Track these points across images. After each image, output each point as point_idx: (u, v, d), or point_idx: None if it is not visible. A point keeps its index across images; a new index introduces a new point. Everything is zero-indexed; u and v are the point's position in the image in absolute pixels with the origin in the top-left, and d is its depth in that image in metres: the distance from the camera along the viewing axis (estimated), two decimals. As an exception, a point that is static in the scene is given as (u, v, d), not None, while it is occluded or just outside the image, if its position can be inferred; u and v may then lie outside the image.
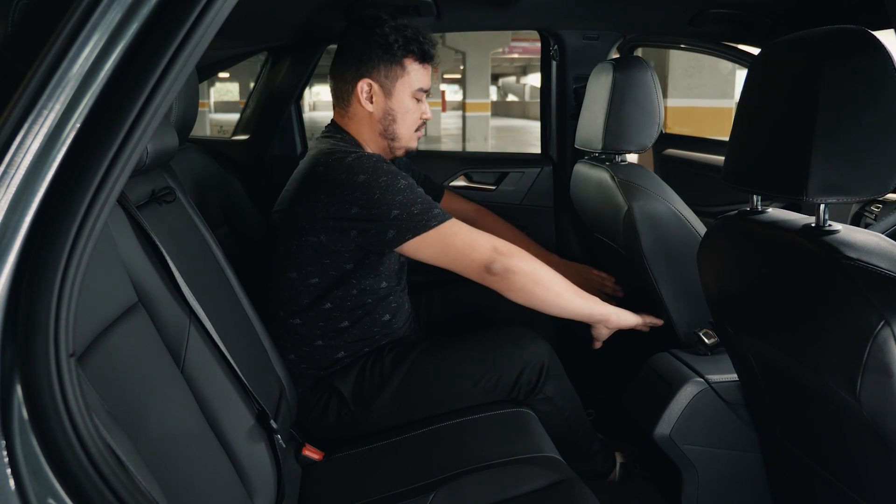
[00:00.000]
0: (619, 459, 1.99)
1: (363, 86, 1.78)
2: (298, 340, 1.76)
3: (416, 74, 1.80)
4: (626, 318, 1.80)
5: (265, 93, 2.72)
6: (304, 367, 1.76)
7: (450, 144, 18.47)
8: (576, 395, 1.87)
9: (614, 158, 2.15)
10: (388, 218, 1.60)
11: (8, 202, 0.70)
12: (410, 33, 1.77)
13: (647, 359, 1.92)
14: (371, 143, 1.83)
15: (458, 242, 1.63)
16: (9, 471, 0.70)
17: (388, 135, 1.83)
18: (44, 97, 0.70)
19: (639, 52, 2.92)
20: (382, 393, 1.71)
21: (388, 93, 1.79)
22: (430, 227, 1.61)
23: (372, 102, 1.79)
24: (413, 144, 1.89)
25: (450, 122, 25.98)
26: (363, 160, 1.65)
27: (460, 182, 2.69)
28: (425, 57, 1.80)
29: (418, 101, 1.83)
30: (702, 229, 1.90)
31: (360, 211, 1.61)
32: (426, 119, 1.87)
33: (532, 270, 1.65)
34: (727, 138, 1.26)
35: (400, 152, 1.87)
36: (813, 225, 1.11)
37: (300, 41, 2.62)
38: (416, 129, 1.87)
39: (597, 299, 1.77)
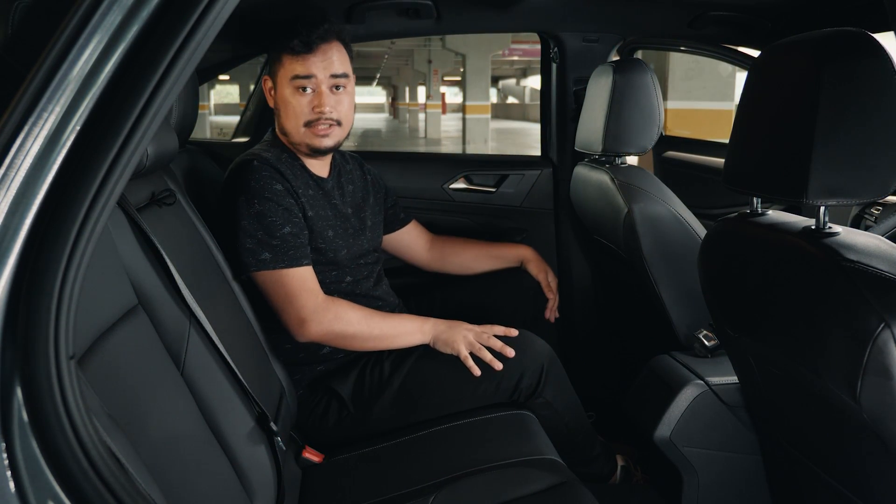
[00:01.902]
0: (620, 462, 1.98)
1: (265, 83, 1.81)
2: (278, 338, 1.76)
3: (290, 64, 1.72)
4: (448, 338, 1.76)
5: (265, 95, 2.72)
6: (294, 366, 1.76)
7: (450, 147, 18.48)
8: (577, 398, 1.86)
9: (614, 161, 2.15)
10: (233, 239, 1.66)
11: (8, 204, 0.70)
12: (287, 28, 1.71)
13: (647, 361, 1.92)
14: (282, 139, 1.82)
15: (278, 294, 1.67)
16: (9, 473, 0.70)
17: (279, 129, 1.81)
18: (44, 99, 0.70)
19: (639, 55, 2.92)
20: (382, 396, 1.71)
21: (276, 87, 1.77)
22: (250, 272, 1.65)
23: (273, 98, 1.80)
24: (312, 141, 1.75)
25: (450, 125, 26.01)
26: (241, 169, 1.68)
27: (460, 184, 2.68)
28: (290, 49, 1.70)
29: (302, 90, 1.72)
30: (702, 231, 1.90)
31: (222, 220, 1.68)
32: (321, 113, 1.72)
33: (336, 334, 1.70)
34: (727, 141, 1.26)
35: (303, 148, 1.77)
36: (813, 227, 1.11)
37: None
38: (312, 125, 1.73)
39: (412, 325, 1.76)
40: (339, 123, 1.77)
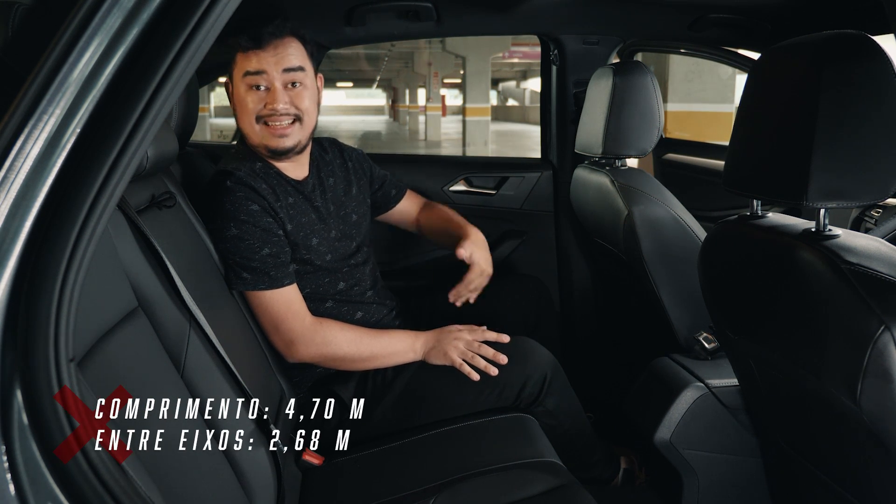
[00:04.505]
0: (623, 465, 1.98)
1: (226, 86, 1.75)
2: None
3: (242, 61, 1.65)
4: (435, 356, 1.74)
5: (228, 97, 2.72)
6: (295, 368, 1.75)
7: (450, 149, 18.48)
8: (579, 405, 1.85)
9: (614, 163, 2.15)
10: (223, 253, 1.64)
11: (8, 207, 0.70)
12: (237, 27, 1.63)
13: (647, 363, 1.92)
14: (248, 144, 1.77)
15: (265, 317, 1.66)
16: (9, 476, 0.70)
17: (241, 134, 1.74)
18: (44, 102, 0.70)
19: (639, 57, 2.93)
20: (384, 400, 1.70)
21: (233, 87, 1.71)
22: (235, 289, 1.63)
23: (232, 100, 1.73)
24: (269, 142, 1.69)
25: (450, 127, 26.00)
26: (215, 190, 1.65)
27: (460, 186, 2.69)
28: (241, 46, 1.65)
29: (255, 87, 1.65)
30: (702, 234, 1.90)
31: (212, 235, 1.64)
32: (274, 109, 1.65)
33: (325, 357, 1.70)
34: (727, 143, 1.26)
35: (262, 151, 1.72)
36: (813, 230, 1.11)
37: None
38: (267, 123, 1.67)
39: (403, 344, 1.75)
40: (299, 120, 1.69)
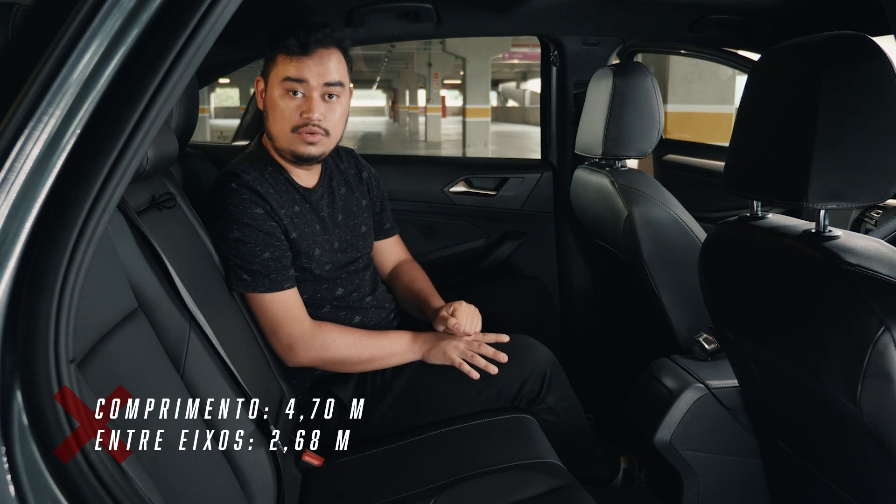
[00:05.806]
0: (623, 465, 1.98)
1: (257, 84, 1.74)
2: None
3: (283, 64, 1.64)
4: (436, 355, 1.74)
5: (256, 97, 2.73)
6: (294, 369, 1.74)
7: (450, 150, 18.48)
8: (578, 404, 1.86)
9: (614, 164, 2.15)
10: (224, 254, 1.64)
11: (8, 208, 0.70)
12: (285, 28, 1.65)
13: (648, 364, 1.91)
14: (268, 146, 1.76)
15: (264, 320, 1.66)
16: (9, 477, 0.70)
17: (267, 134, 1.73)
18: (44, 103, 0.70)
19: (639, 58, 2.93)
20: (383, 400, 1.70)
21: (266, 88, 1.70)
22: (235, 290, 1.63)
23: (263, 101, 1.73)
24: (297, 148, 1.68)
25: (450, 128, 25.99)
26: (220, 191, 1.65)
27: (461, 187, 2.69)
28: (286, 49, 1.64)
29: (292, 93, 1.64)
30: (702, 235, 1.91)
31: (214, 235, 1.64)
32: (309, 119, 1.64)
33: (325, 360, 1.70)
34: (727, 144, 1.26)
35: (287, 155, 1.71)
36: (813, 231, 1.11)
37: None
38: (299, 131, 1.66)
39: (402, 345, 1.74)
40: (327, 133, 1.68)
